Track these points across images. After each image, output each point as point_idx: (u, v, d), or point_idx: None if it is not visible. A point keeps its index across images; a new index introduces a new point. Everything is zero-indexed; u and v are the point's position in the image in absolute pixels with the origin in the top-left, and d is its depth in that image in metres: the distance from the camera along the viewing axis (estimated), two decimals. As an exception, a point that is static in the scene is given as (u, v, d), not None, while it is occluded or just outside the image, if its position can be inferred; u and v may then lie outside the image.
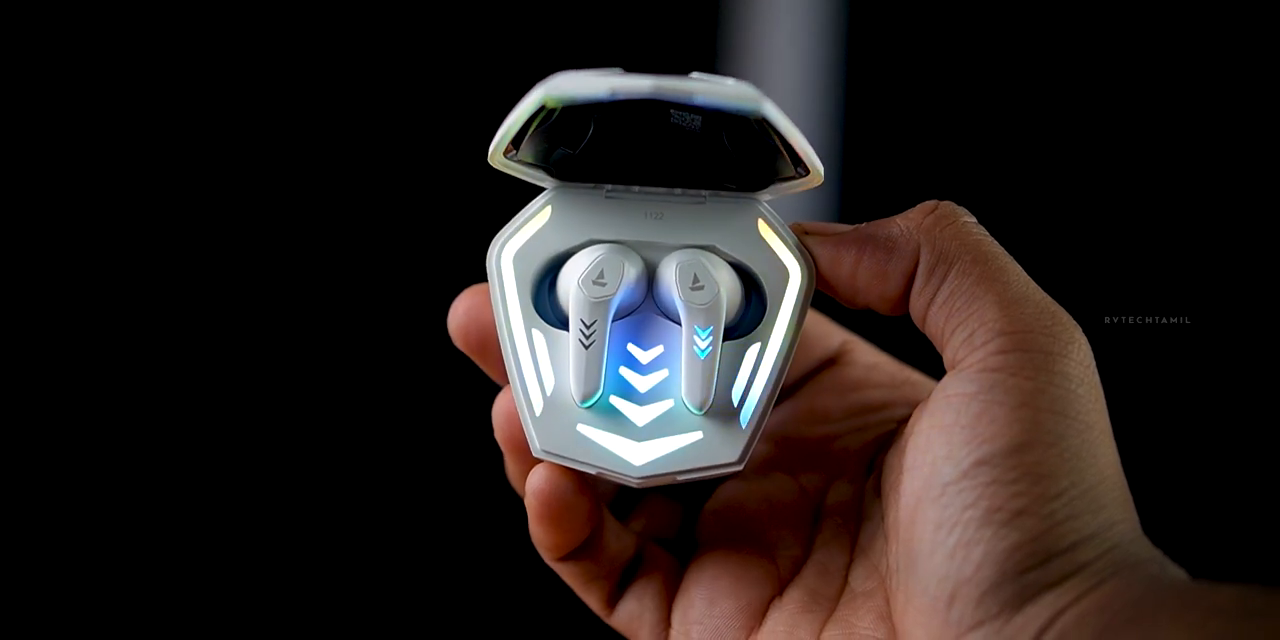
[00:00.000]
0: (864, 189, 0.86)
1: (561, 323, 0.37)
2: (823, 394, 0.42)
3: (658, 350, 0.37)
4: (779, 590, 0.38)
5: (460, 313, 0.39)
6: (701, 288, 0.36)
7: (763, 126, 0.35)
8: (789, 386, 0.42)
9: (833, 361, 0.42)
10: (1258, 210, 0.83)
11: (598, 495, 0.38)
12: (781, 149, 0.36)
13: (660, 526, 0.41)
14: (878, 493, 0.38)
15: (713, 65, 0.86)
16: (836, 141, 0.87)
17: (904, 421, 0.39)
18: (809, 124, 0.87)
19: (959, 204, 0.37)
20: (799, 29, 0.87)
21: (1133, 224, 0.84)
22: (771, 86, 0.86)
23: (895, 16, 0.87)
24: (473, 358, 0.40)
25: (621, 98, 0.34)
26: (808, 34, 0.87)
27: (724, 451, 0.36)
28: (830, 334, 0.43)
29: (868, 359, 0.43)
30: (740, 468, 0.36)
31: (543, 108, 0.35)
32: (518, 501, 0.41)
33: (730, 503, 0.40)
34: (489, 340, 0.38)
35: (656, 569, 0.39)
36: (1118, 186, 0.85)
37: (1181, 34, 0.83)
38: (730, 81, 0.34)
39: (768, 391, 0.37)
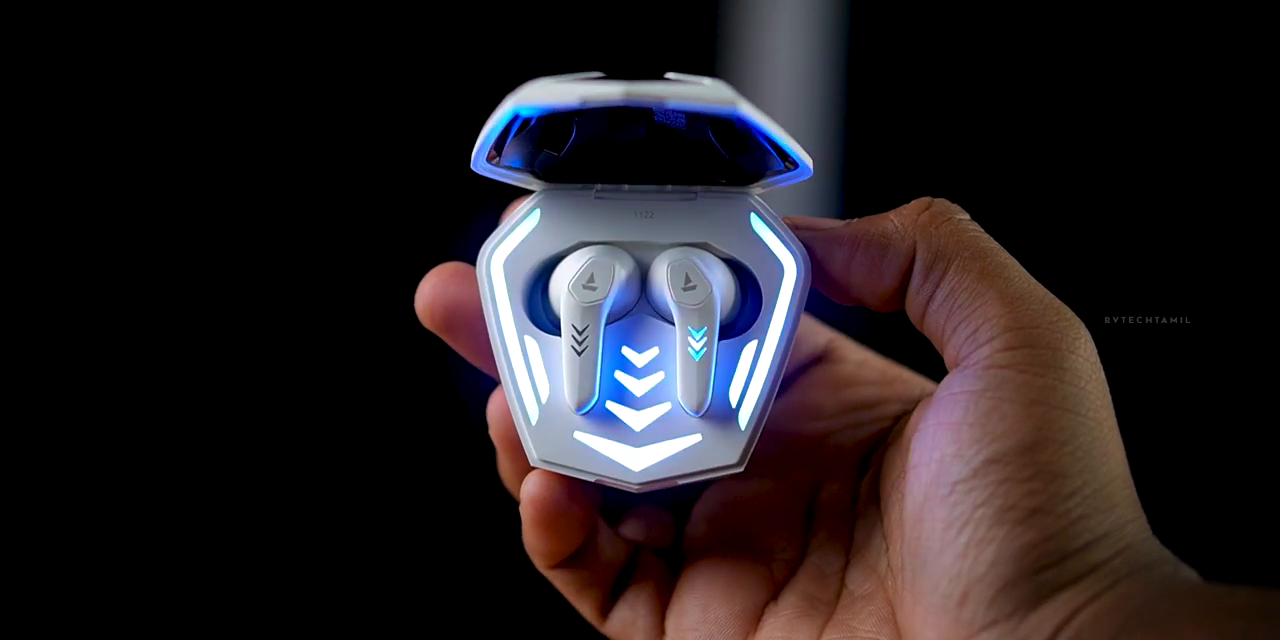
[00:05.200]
0: (865, 186, 0.86)
1: (555, 327, 0.37)
2: (813, 390, 0.41)
3: (653, 352, 0.37)
4: (774, 594, 0.37)
5: (426, 292, 0.38)
6: (694, 287, 0.36)
7: (744, 125, 0.35)
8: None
9: (821, 358, 0.42)
10: (1258, 210, 0.83)
11: (592, 502, 0.38)
12: (766, 145, 0.36)
13: (653, 534, 0.40)
14: (873, 492, 0.37)
15: (712, 66, 0.86)
16: (838, 137, 0.86)
17: (899, 418, 0.39)
18: (809, 120, 0.86)
19: (959, 203, 0.37)
20: (798, 26, 0.87)
21: (1133, 224, 0.84)
22: (770, 82, 0.86)
23: (896, 14, 0.87)
24: (442, 337, 0.39)
25: (593, 106, 0.33)
26: (807, 30, 0.87)
27: (723, 453, 0.35)
28: (816, 332, 0.42)
29: (856, 356, 0.42)
30: (741, 469, 0.36)
31: (517, 116, 0.34)
32: (509, 505, 0.40)
33: (721, 506, 0.39)
34: (456, 318, 0.38)
35: (649, 576, 0.39)
36: (1117, 186, 0.85)
37: (1181, 34, 0.83)
38: (706, 81, 0.33)
39: (766, 390, 0.36)
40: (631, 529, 0.40)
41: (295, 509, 0.81)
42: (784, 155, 0.36)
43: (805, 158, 0.35)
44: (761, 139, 0.35)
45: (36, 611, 0.77)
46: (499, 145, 0.36)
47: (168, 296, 0.81)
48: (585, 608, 0.39)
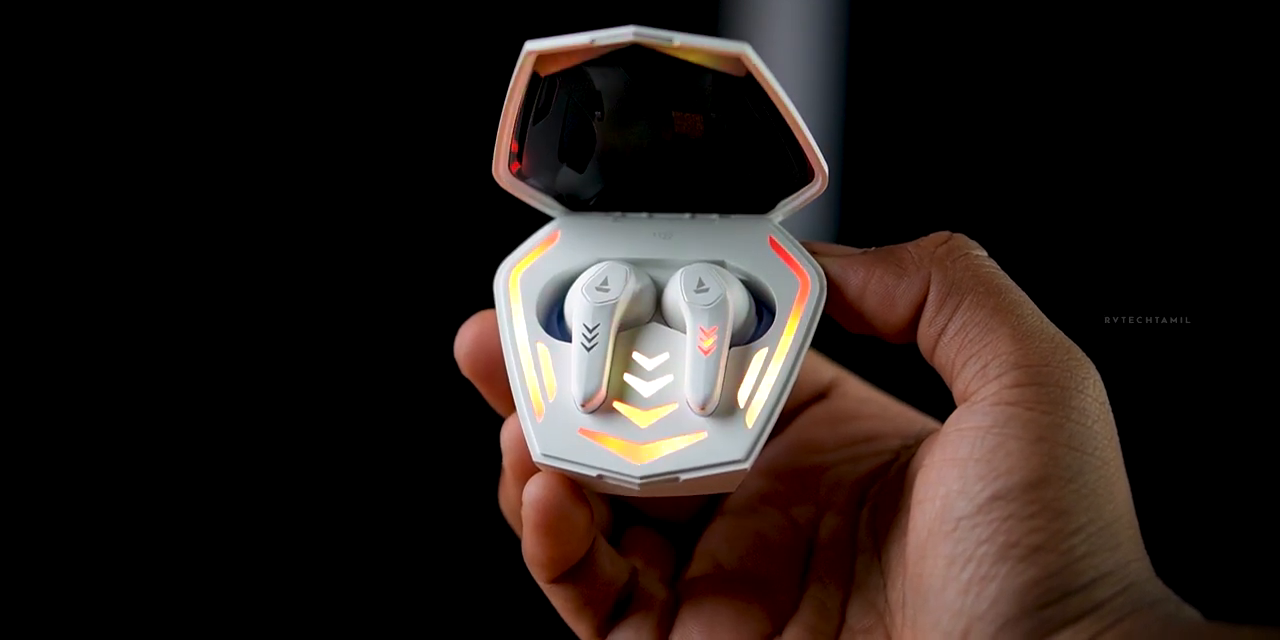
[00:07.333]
0: (867, 182, 0.85)
1: (568, 339, 0.37)
2: (814, 425, 0.41)
3: (663, 357, 0.37)
4: (777, 628, 0.37)
5: (468, 339, 0.38)
6: (706, 289, 0.36)
7: (759, 108, 0.35)
8: (780, 419, 0.41)
9: (823, 395, 0.42)
10: (1258, 210, 0.83)
11: (594, 511, 0.37)
12: (780, 142, 0.36)
13: (653, 560, 0.40)
14: (873, 527, 0.37)
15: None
16: (837, 148, 0.86)
17: (898, 452, 0.39)
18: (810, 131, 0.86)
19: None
20: (799, 34, 0.87)
21: (1133, 224, 0.84)
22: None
23: (896, 21, 0.87)
24: (478, 385, 0.39)
25: (602, 43, 0.34)
26: (808, 39, 0.87)
27: (729, 449, 0.35)
28: (821, 368, 0.43)
29: (859, 392, 0.42)
30: (747, 466, 0.35)
31: (537, 79, 0.35)
32: (509, 531, 0.40)
33: (724, 539, 0.39)
34: (495, 367, 0.38)
35: (651, 604, 0.38)
36: (1117, 187, 0.84)
37: (1181, 34, 0.83)
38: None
39: (776, 392, 0.35)
40: (633, 555, 0.40)
41: (292, 526, 0.81)
42: (794, 147, 0.36)
43: (813, 145, 0.36)
44: (761, 115, 0.36)
45: (37, 611, 0.77)
46: (518, 153, 0.36)
47: (181, 302, 0.81)
48: (582, 629, 0.38)
